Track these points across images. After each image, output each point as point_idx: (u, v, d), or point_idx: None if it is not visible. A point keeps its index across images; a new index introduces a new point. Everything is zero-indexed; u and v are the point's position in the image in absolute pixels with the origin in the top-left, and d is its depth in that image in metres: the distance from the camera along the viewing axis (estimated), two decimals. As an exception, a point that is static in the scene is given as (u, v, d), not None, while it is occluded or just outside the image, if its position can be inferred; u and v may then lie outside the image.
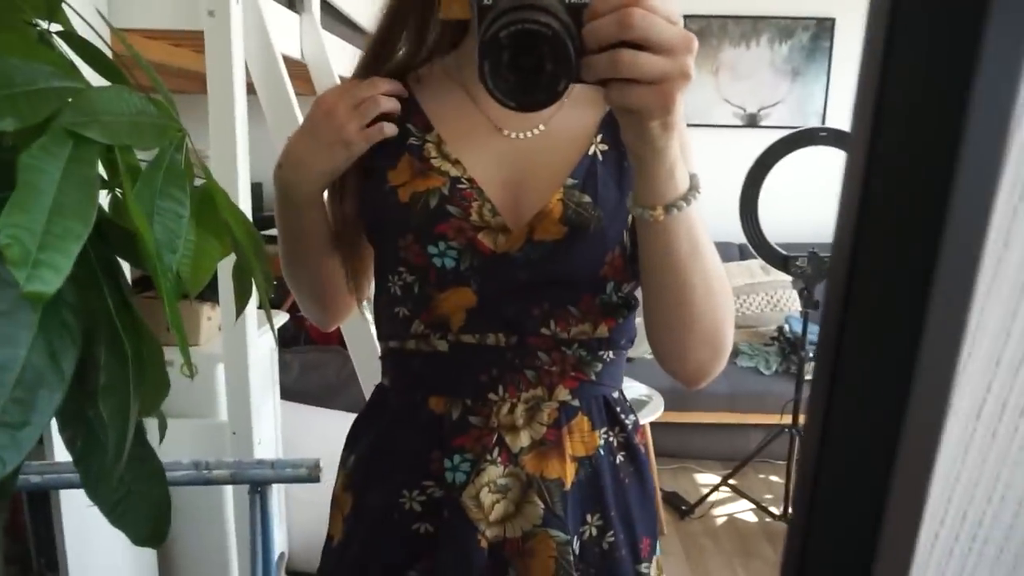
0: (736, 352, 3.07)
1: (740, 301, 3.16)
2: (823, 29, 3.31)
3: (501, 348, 0.70)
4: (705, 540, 2.45)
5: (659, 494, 2.50)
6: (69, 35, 0.54)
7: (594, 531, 0.72)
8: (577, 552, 0.71)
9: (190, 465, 1.13)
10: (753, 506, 2.58)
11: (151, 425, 0.55)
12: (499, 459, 0.69)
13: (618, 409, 0.75)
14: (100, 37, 0.57)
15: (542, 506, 0.69)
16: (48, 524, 1.17)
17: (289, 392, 2.09)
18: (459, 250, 0.68)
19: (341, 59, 1.84)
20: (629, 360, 2.60)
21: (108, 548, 1.39)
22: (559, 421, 0.71)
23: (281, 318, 1.84)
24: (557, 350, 0.70)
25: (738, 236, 2.58)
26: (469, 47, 0.73)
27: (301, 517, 1.91)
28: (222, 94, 1.23)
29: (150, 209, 0.46)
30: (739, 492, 2.61)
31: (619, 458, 0.74)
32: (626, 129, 0.55)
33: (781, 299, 3.15)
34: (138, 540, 0.57)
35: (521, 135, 0.71)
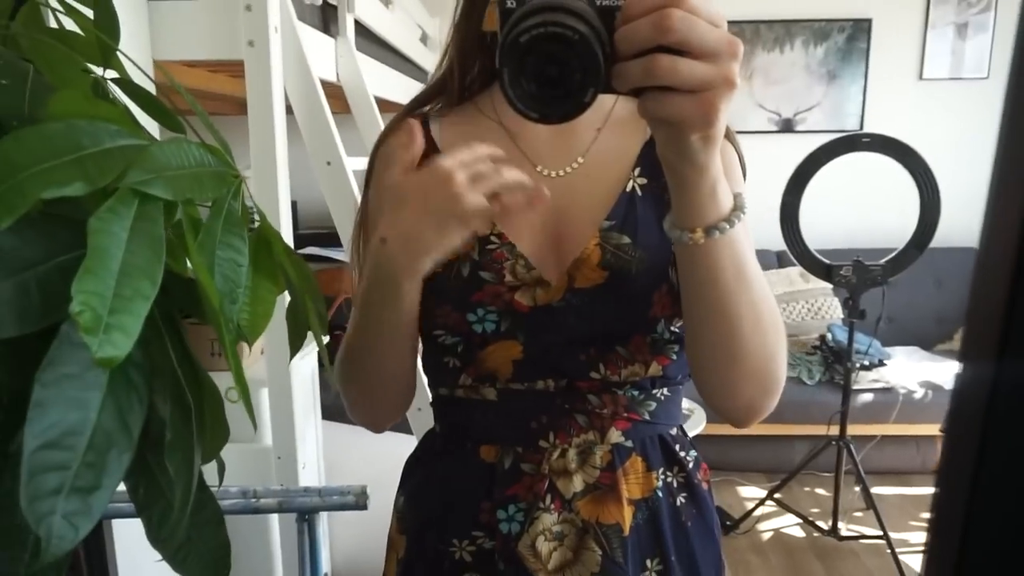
0: (777, 361, 3.01)
1: (781, 309, 3.10)
2: (859, 30, 3.25)
3: (550, 394, 0.68)
4: (752, 556, 2.40)
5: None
6: (125, 83, 0.54)
7: (654, 575, 0.70)
8: None
9: (238, 494, 1.13)
10: (800, 521, 2.51)
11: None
12: (552, 506, 0.67)
13: (677, 447, 0.72)
14: (142, 71, 0.58)
15: (600, 553, 0.67)
16: (102, 553, 1.19)
17: (329, 411, 2.10)
18: (498, 312, 0.66)
19: (375, 79, 1.85)
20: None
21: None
22: (613, 464, 0.68)
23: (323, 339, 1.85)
24: (608, 392, 0.68)
25: (775, 243, 2.53)
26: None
27: (344, 535, 1.91)
28: (262, 119, 1.23)
29: (211, 261, 0.46)
30: (785, 506, 2.55)
31: (680, 499, 0.71)
32: (663, 143, 0.49)
33: (822, 307, 3.09)
34: (199, 584, 0.56)
35: (559, 172, 0.68)
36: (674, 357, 0.68)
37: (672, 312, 0.66)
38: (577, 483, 0.68)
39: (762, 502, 2.53)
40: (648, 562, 0.69)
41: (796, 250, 2.21)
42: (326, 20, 1.63)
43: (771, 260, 3.24)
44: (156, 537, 0.53)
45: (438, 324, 0.68)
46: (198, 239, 0.44)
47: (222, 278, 0.47)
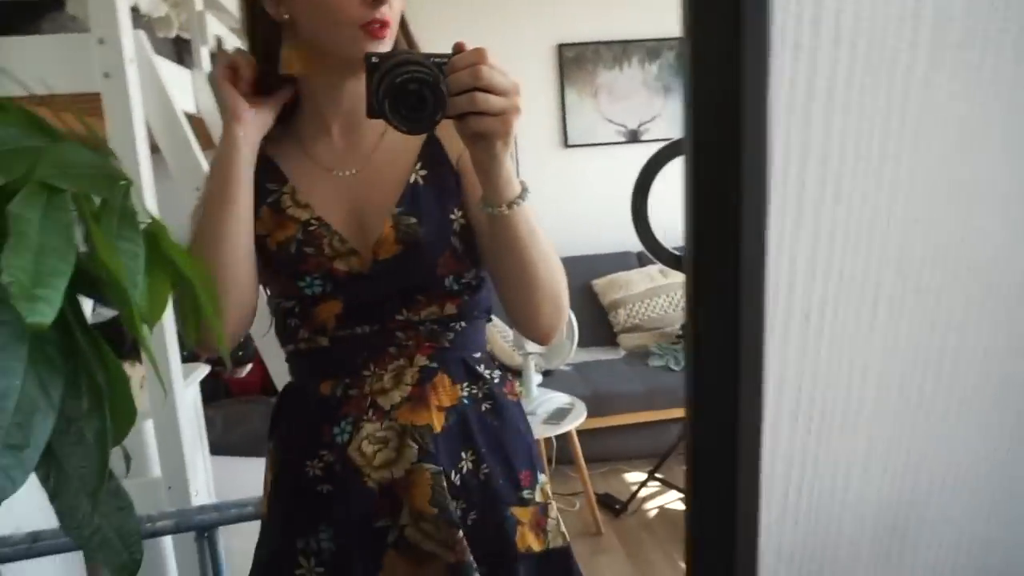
0: (647, 353, 3.24)
1: (644, 304, 3.34)
2: (686, 48, 3.60)
3: (367, 335, 0.87)
4: (642, 534, 2.57)
5: (592, 495, 2.60)
6: (3, 107, 0.58)
7: (469, 464, 0.88)
8: (458, 483, 0.87)
9: (132, 521, 1.12)
10: (681, 495, 2.72)
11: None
12: (374, 417, 0.86)
13: (481, 367, 0.91)
14: None
15: (416, 447, 0.85)
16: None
17: (215, 447, 2.06)
18: (322, 277, 0.86)
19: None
20: (548, 373, 2.74)
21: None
22: (422, 380, 0.87)
23: (202, 371, 1.83)
24: (412, 328, 0.88)
25: (634, 245, 2.74)
26: (305, 113, 0.90)
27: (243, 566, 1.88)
28: (125, 155, 1.24)
29: (113, 247, 0.51)
30: (667, 484, 2.75)
31: (484, 407, 0.90)
32: (477, 151, 0.74)
33: (681, 299, 3.35)
34: (114, 570, 0.60)
35: (348, 172, 0.88)
36: (465, 299, 0.89)
37: (456, 270, 0.87)
38: (394, 397, 0.87)
39: (644, 483, 2.71)
40: (463, 454, 0.88)
41: (649, 246, 2.42)
42: (180, 53, 1.64)
43: (632, 261, 3.48)
44: (69, 525, 0.56)
45: (279, 292, 0.90)
46: (101, 227, 0.49)
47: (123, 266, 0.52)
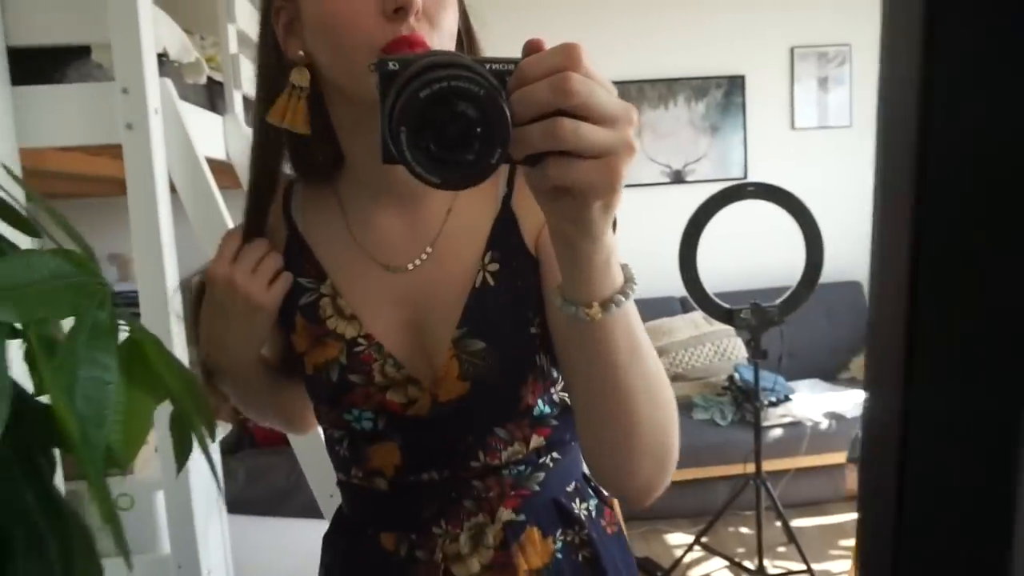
0: (691, 405, 3.08)
1: (688, 353, 3.18)
2: (735, 86, 3.48)
3: (436, 483, 0.68)
4: (684, 606, 2.39)
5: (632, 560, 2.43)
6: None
7: None
8: None
9: (132, 615, 1.02)
10: (727, 563, 2.53)
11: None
12: None
13: (576, 503, 0.71)
14: (6, 169, 0.52)
15: None
16: None
17: (236, 503, 1.96)
18: (373, 411, 0.67)
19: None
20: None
21: None
22: (507, 541, 0.68)
23: (224, 429, 1.74)
24: (492, 476, 0.68)
25: (677, 290, 2.61)
26: (350, 176, 0.68)
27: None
28: (144, 204, 1.17)
29: (71, 382, 0.41)
30: (711, 550, 2.56)
31: (582, 556, 0.71)
32: (559, 216, 0.45)
33: (727, 348, 3.19)
34: None
35: (408, 267, 0.66)
36: (555, 423, 0.69)
37: (543, 389, 0.67)
38: (473, 565, 0.68)
39: (689, 548, 2.53)
40: None
41: (697, 297, 2.28)
42: (212, 98, 1.58)
43: (675, 307, 3.33)
44: None
45: (322, 419, 0.73)
46: (56, 362, 0.39)
47: (84, 400, 0.42)
